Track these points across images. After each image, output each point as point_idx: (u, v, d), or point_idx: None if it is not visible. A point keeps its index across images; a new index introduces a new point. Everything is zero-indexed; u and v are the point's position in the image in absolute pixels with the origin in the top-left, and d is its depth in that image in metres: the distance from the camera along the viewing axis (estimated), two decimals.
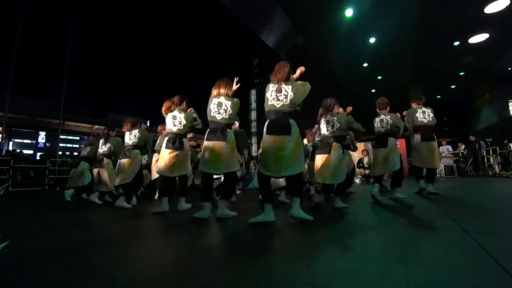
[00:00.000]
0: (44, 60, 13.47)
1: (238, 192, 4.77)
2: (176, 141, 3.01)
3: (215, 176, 2.99)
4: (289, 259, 1.37)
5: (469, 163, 9.07)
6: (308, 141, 4.24)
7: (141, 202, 3.96)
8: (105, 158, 4.15)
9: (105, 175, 4.07)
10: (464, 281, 1.03)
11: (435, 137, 3.86)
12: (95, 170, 4.15)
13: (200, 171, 2.66)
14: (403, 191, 3.37)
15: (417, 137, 3.85)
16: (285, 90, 2.29)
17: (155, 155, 4.29)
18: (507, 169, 8.43)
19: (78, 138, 23.28)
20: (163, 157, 3.02)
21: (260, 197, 2.27)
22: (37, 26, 11.97)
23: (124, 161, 3.67)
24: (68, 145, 22.00)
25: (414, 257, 1.32)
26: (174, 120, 3.03)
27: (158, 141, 4.28)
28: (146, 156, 4.43)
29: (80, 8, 11.62)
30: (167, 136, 3.13)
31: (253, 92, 30.99)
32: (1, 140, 10.32)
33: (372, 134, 3.83)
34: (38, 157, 12.45)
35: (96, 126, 21.22)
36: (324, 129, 3.07)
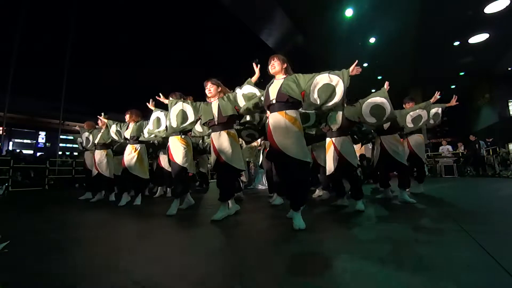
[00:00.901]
0: (44, 60, 13.41)
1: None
2: None
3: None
4: (289, 259, 1.37)
5: (469, 163, 9.07)
6: None
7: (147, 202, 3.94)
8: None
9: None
10: (464, 281, 1.03)
11: None
12: None
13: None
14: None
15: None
16: None
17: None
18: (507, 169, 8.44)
19: None
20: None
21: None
22: (36, 26, 11.93)
23: None
24: (68, 145, 21.94)
25: (414, 257, 1.32)
26: None
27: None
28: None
29: (80, 8, 11.58)
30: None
31: None
32: (3, 133, 10.22)
33: None
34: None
35: (96, 126, 21.15)
36: None
